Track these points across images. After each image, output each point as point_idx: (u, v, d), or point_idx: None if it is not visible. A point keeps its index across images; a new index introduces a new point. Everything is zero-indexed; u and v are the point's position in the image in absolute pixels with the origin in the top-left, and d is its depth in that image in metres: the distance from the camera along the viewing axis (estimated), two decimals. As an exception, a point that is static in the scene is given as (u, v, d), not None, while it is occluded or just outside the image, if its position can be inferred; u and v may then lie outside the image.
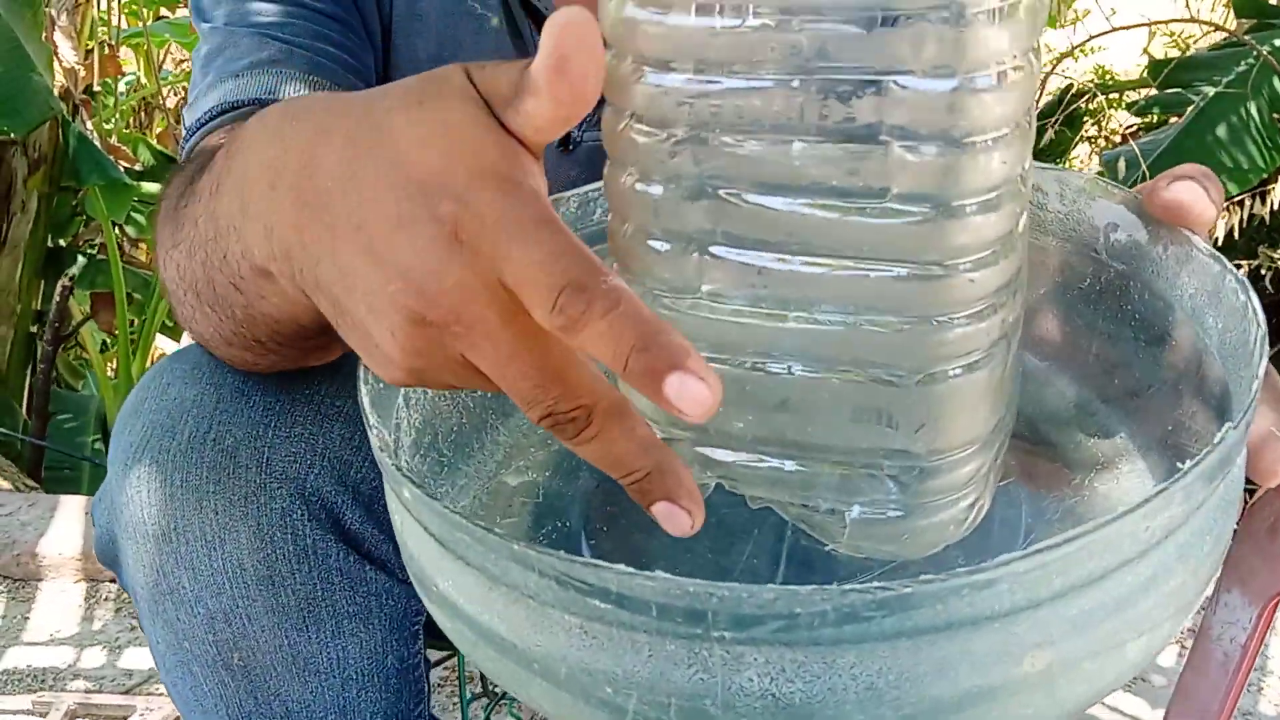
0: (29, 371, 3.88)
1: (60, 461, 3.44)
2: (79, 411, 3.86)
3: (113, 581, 1.86)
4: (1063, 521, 0.48)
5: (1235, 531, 0.83)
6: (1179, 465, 0.38)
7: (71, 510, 1.97)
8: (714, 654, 0.34)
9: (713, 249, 0.39)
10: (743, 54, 0.36)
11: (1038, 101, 3.14)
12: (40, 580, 1.89)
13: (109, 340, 4.48)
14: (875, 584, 0.33)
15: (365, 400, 0.42)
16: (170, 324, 4.27)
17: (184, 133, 0.81)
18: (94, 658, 1.70)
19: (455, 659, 0.87)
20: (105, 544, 0.74)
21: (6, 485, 2.55)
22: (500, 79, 0.39)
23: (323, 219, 0.41)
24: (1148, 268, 0.50)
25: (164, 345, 4.40)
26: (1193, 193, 0.48)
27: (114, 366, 4.08)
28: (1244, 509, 0.60)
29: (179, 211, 0.60)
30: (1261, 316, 0.42)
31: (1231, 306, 0.44)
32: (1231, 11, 3.41)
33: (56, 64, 3.69)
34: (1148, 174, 2.65)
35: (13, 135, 3.61)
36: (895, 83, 0.35)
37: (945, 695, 0.35)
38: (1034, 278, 0.52)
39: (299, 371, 0.68)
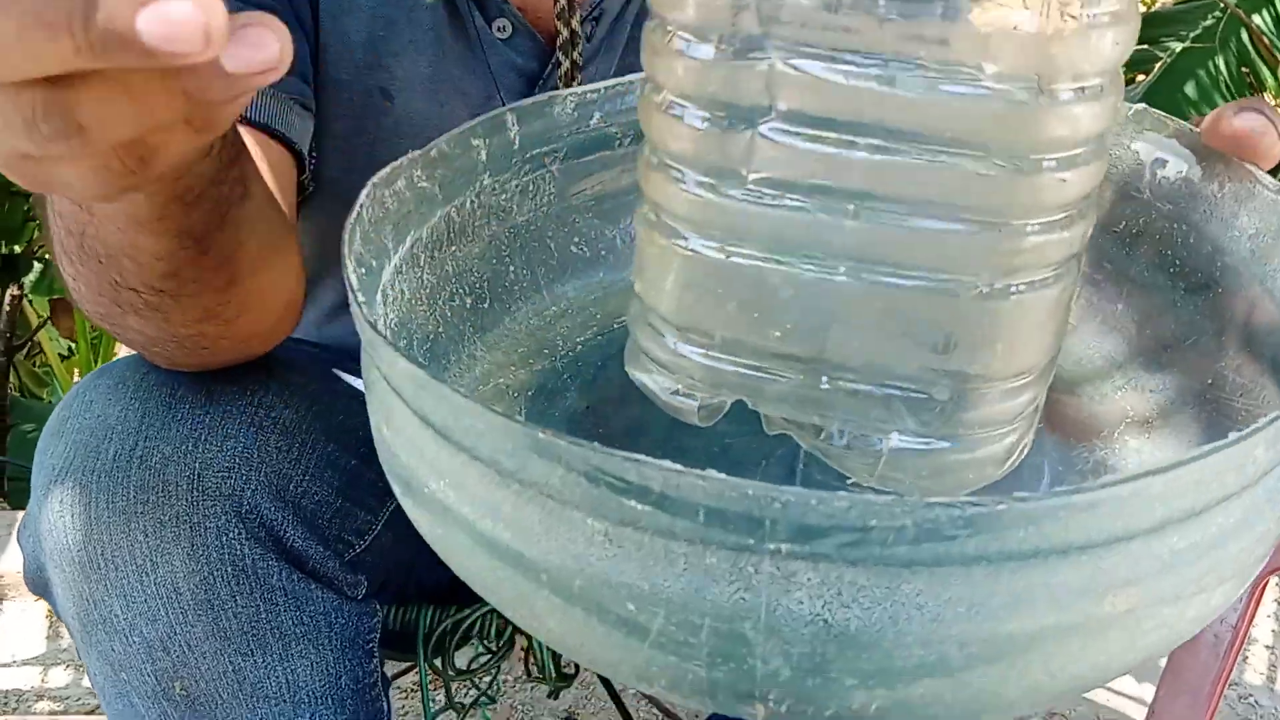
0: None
1: (23, 473, 3.31)
2: (41, 421, 3.71)
3: None
4: (1094, 473, 0.43)
5: None
6: (1219, 419, 0.33)
7: None
8: (762, 569, 0.28)
9: (766, 126, 0.33)
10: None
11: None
12: (1, 600, 1.78)
13: (71, 347, 4.35)
14: (965, 499, 0.27)
15: (352, 280, 0.36)
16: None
17: None
18: (59, 677, 1.62)
19: (417, 671, 0.82)
20: (34, 572, 0.70)
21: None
22: None
23: None
24: (1199, 208, 0.45)
25: (125, 351, 4.30)
26: (1261, 123, 0.43)
27: (77, 374, 3.96)
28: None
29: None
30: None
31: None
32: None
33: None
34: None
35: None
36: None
37: (1017, 632, 0.30)
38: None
39: (230, 380, 0.64)
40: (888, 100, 0.32)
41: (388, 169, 0.43)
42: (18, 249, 3.98)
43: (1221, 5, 2.67)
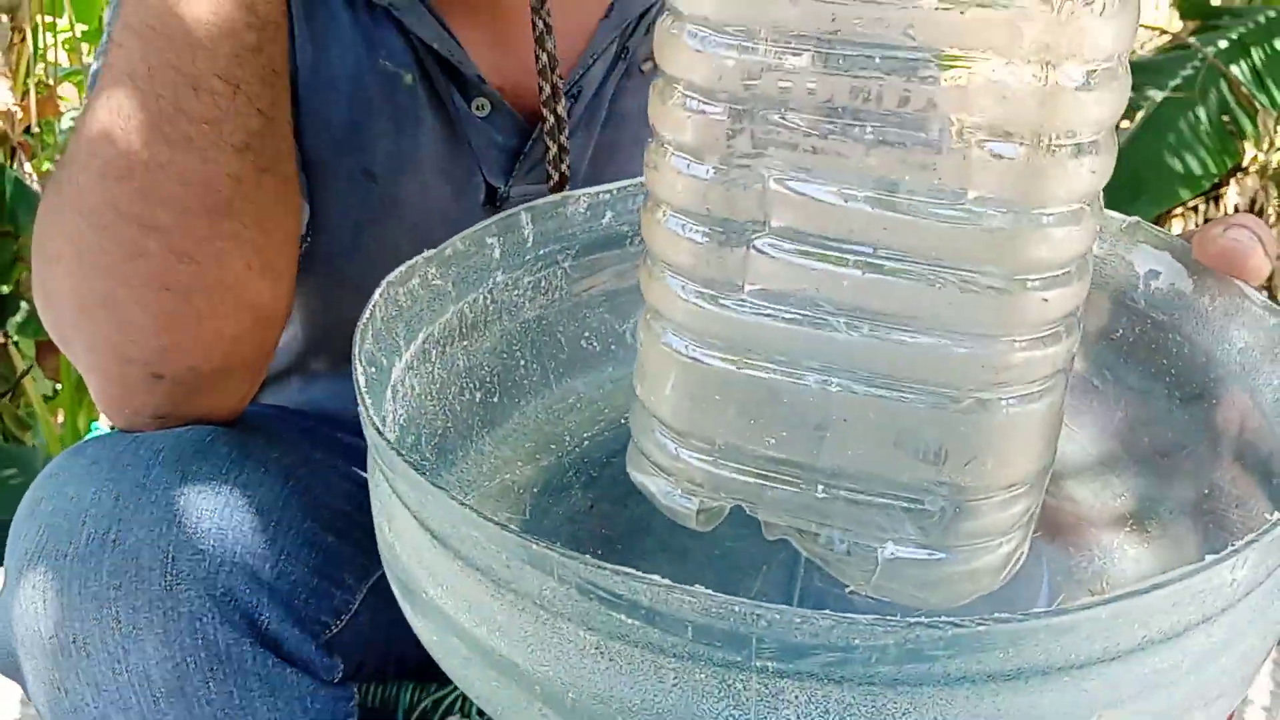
0: (-28, 425, 3.77)
1: (6, 521, 3.31)
2: (24, 466, 3.73)
3: None
4: (1094, 583, 0.45)
5: None
6: (1216, 531, 0.35)
7: None
8: (750, 687, 0.30)
9: (761, 243, 0.35)
10: (820, 24, 0.33)
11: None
12: None
13: (55, 388, 4.38)
14: (945, 619, 0.28)
15: (360, 381, 0.38)
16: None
17: None
18: None
19: None
20: (4, 657, 0.70)
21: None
22: None
23: None
24: (1190, 319, 0.47)
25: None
26: (1248, 241, 0.46)
27: (61, 415, 3.98)
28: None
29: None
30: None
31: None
32: (1176, 13, 3.55)
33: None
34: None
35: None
36: (985, 70, 0.32)
37: None
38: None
39: (205, 459, 0.67)
40: (876, 220, 0.34)
41: (403, 267, 0.45)
42: (5, 289, 4.03)
43: (1200, 56, 2.74)
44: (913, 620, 0.28)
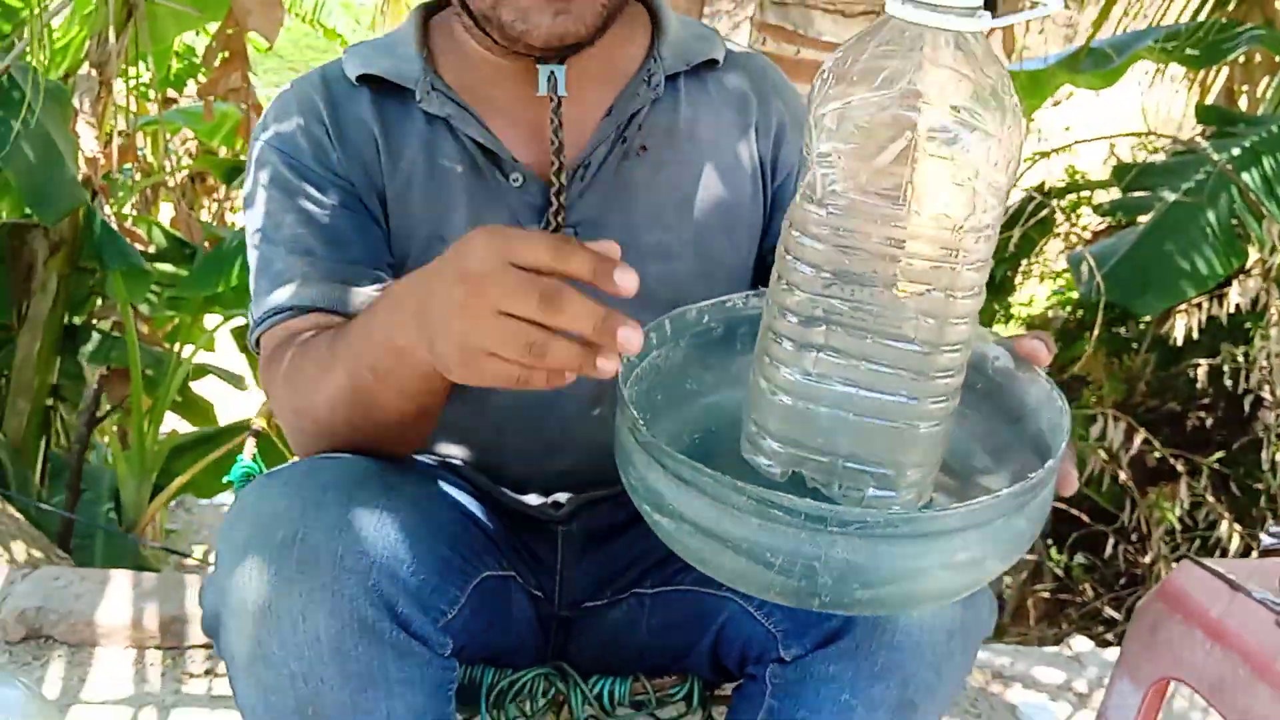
0: (43, 443, 4.21)
1: (89, 531, 3.73)
2: (91, 483, 4.19)
3: (158, 648, 2.16)
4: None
5: (1125, 632, 1.24)
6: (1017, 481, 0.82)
7: (120, 583, 2.27)
8: (823, 537, 0.75)
9: (822, 353, 0.81)
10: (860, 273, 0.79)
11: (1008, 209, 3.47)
12: (94, 646, 2.17)
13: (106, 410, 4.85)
14: (899, 513, 0.76)
15: (626, 394, 0.84)
16: (179, 399, 4.63)
17: (252, 321, 1.11)
18: (147, 717, 1.99)
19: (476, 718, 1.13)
20: (210, 620, 0.93)
21: (40, 555, 2.85)
22: (511, 231, 0.77)
23: (426, 319, 0.81)
24: (1012, 382, 0.93)
25: (170, 421, 4.76)
26: (1036, 346, 0.88)
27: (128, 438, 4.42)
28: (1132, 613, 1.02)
29: (310, 362, 0.98)
30: (1067, 409, 0.85)
31: (1054, 406, 0.87)
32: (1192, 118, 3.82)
33: (79, 152, 4.05)
34: (1102, 285, 2.94)
35: (40, 222, 3.97)
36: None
37: (922, 567, 0.76)
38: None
39: (362, 489, 0.92)
40: (876, 350, 0.80)
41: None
42: (78, 320, 4.48)
43: (1212, 162, 3.03)
44: (880, 512, 0.76)
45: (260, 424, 1.32)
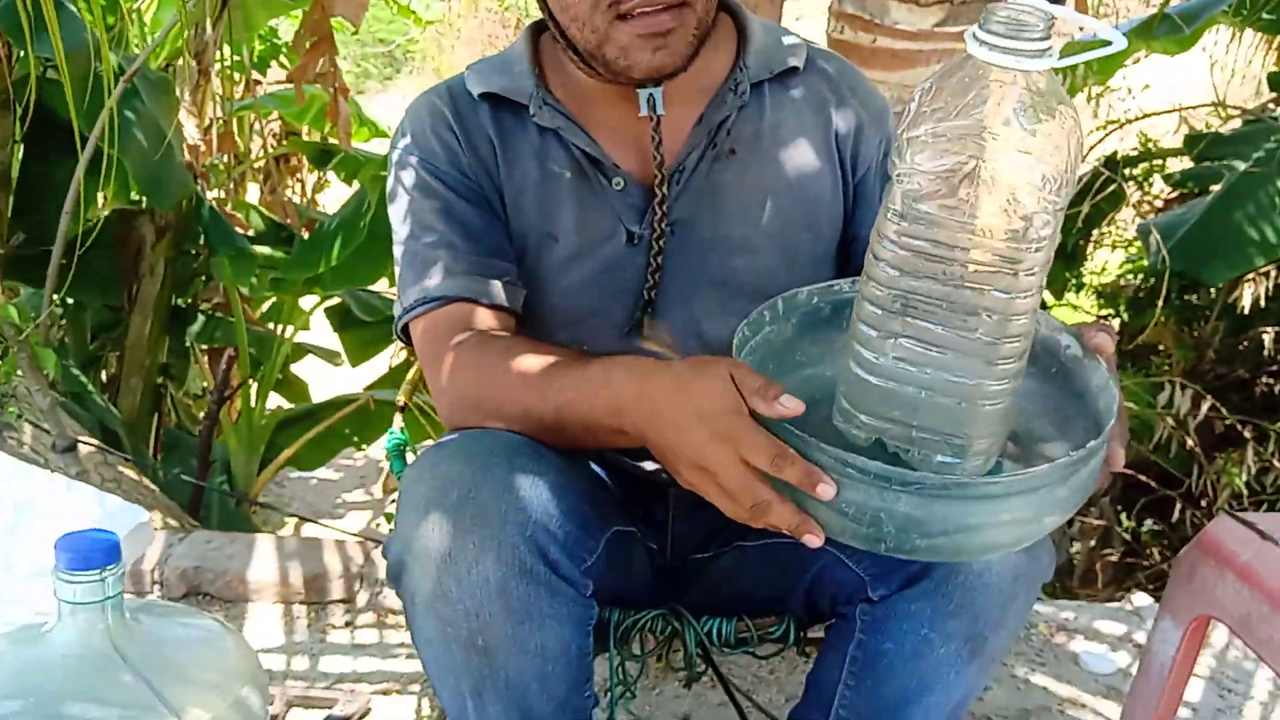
0: (155, 419, 4.44)
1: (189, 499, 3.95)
2: (191, 453, 4.43)
3: (302, 603, 2.35)
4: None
5: (1168, 575, 1.40)
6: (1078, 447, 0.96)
7: (265, 546, 2.47)
8: (888, 494, 0.90)
9: (900, 340, 0.97)
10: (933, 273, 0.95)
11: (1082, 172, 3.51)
12: (247, 602, 2.38)
13: (205, 387, 5.09)
14: (944, 477, 0.92)
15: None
16: (280, 377, 4.85)
17: (400, 309, 1.27)
18: (299, 663, 2.18)
19: (605, 655, 1.27)
20: (395, 567, 1.08)
21: (174, 523, 3.06)
22: (749, 380, 0.93)
23: (663, 422, 0.98)
24: (1079, 368, 1.07)
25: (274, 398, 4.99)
26: (1103, 340, 1.02)
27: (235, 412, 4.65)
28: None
29: (512, 375, 1.13)
30: (1120, 396, 1.00)
31: (1109, 392, 1.01)
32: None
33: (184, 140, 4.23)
34: (1167, 257, 3.04)
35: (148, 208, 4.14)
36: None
37: (985, 522, 0.91)
38: (1031, 363, 1.10)
39: (522, 456, 1.07)
40: (943, 337, 0.96)
41: (754, 313, 1.07)
42: (183, 302, 4.71)
43: None
44: (944, 476, 0.92)
45: (402, 399, 1.48)
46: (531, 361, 1.13)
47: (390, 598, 2.38)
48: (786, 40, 1.36)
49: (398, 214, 1.30)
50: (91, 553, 0.97)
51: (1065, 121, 0.89)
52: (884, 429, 0.98)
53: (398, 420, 1.45)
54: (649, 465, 1.33)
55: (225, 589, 2.38)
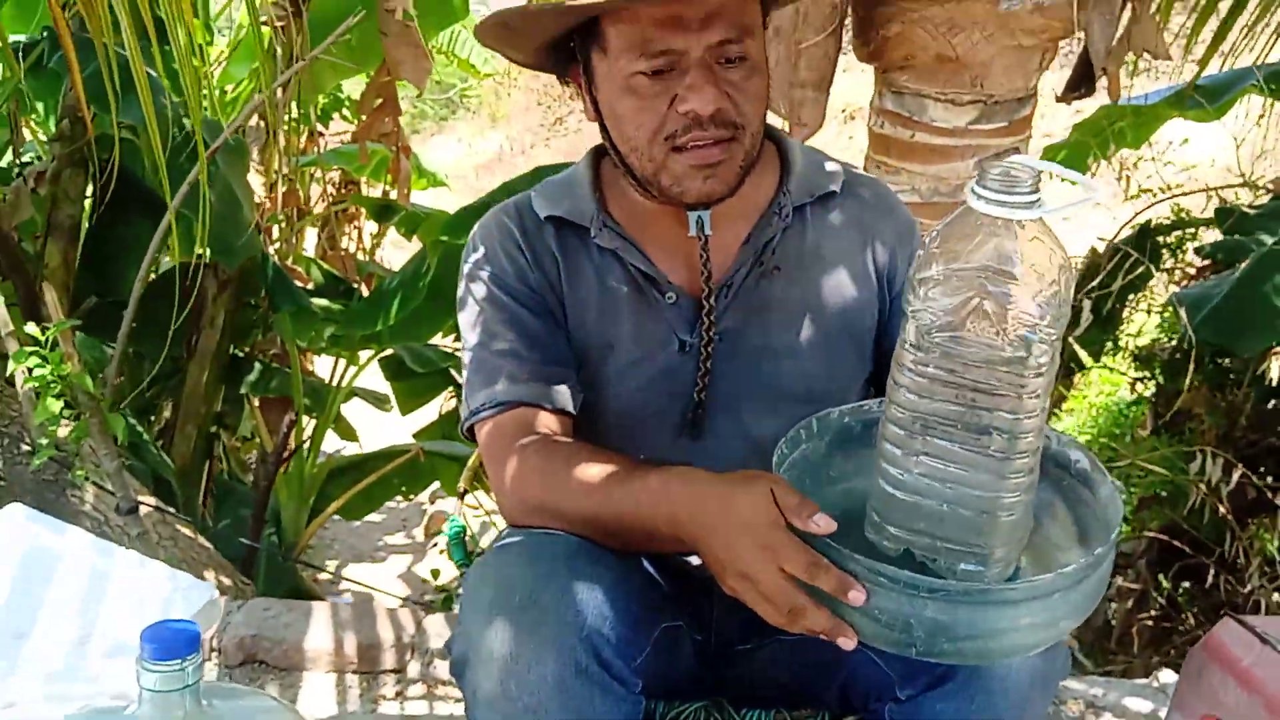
0: (207, 465, 4.56)
1: (239, 551, 4.03)
2: (246, 503, 4.54)
3: (355, 673, 2.42)
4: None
5: (1179, 674, 1.47)
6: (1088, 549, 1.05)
7: (321, 614, 2.55)
8: (916, 600, 0.99)
9: (922, 457, 1.06)
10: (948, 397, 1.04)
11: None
12: (302, 670, 2.45)
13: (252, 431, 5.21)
14: (985, 585, 1.01)
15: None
16: (332, 426, 4.97)
17: (466, 412, 1.37)
18: None
19: None
20: (459, 664, 1.14)
21: (227, 581, 3.14)
22: (788, 497, 1.03)
23: (712, 534, 1.08)
24: (1089, 480, 1.16)
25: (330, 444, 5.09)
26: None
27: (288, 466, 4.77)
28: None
29: (574, 480, 1.22)
30: (1119, 502, 1.09)
31: (1115, 503, 1.10)
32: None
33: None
34: (1191, 332, 3.08)
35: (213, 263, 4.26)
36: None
37: (1004, 627, 1.00)
38: (1044, 476, 1.18)
39: (575, 560, 1.15)
40: (957, 454, 1.05)
41: (792, 432, 1.18)
42: (241, 351, 4.85)
43: None
44: (963, 584, 1.01)
45: (463, 487, 1.58)
46: (593, 470, 1.22)
47: (441, 669, 2.45)
48: (826, 166, 1.47)
49: (467, 321, 1.41)
50: (174, 643, 1.03)
51: (1056, 261, 0.99)
52: (911, 540, 1.07)
53: (458, 507, 1.54)
54: (696, 560, 1.41)
55: (281, 658, 2.45)
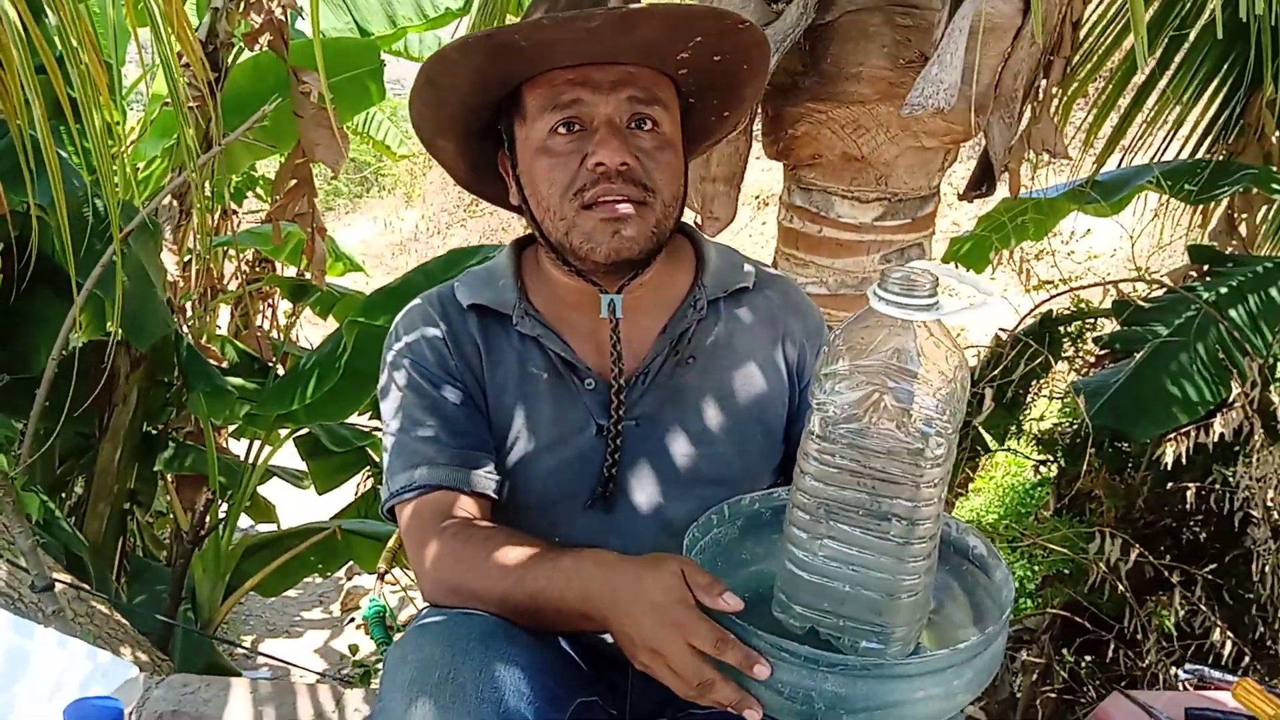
0: (119, 542, 4.51)
1: (154, 627, 4.01)
2: (160, 580, 4.49)
3: None
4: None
5: None
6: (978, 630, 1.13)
7: (240, 690, 2.55)
8: (817, 674, 1.05)
9: (826, 540, 1.12)
10: (849, 485, 1.11)
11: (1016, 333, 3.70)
12: None
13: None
14: (873, 660, 1.07)
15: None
16: (248, 505, 4.93)
17: (386, 494, 1.41)
18: None
19: None
20: None
21: (145, 658, 3.12)
22: (698, 576, 1.09)
23: (624, 612, 1.13)
24: (984, 564, 1.23)
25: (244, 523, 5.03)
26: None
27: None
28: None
29: (489, 562, 1.26)
30: (1011, 585, 1.17)
31: (1008, 585, 1.17)
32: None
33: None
34: (1089, 420, 3.19)
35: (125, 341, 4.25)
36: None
37: (900, 699, 1.06)
38: (945, 561, 1.26)
39: (492, 640, 1.17)
40: (858, 538, 1.12)
41: (703, 517, 1.24)
42: (154, 430, 4.81)
43: (1201, 300, 3.26)
44: (869, 661, 1.07)
45: (383, 566, 1.62)
46: (509, 552, 1.28)
47: (361, 745, 2.44)
48: (739, 263, 1.56)
49: (390, 407, 1.46)
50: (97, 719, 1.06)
51: (953, 361, 1.06)
52: (817, 619, 1.14)
53: (378, 588, 1.58)
54: (609, 638, 1.47)
55: (204, 737, 2.43)
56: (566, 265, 1.42)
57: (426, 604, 1.35)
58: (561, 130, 1.36)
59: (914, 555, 1.10)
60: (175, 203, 4.63)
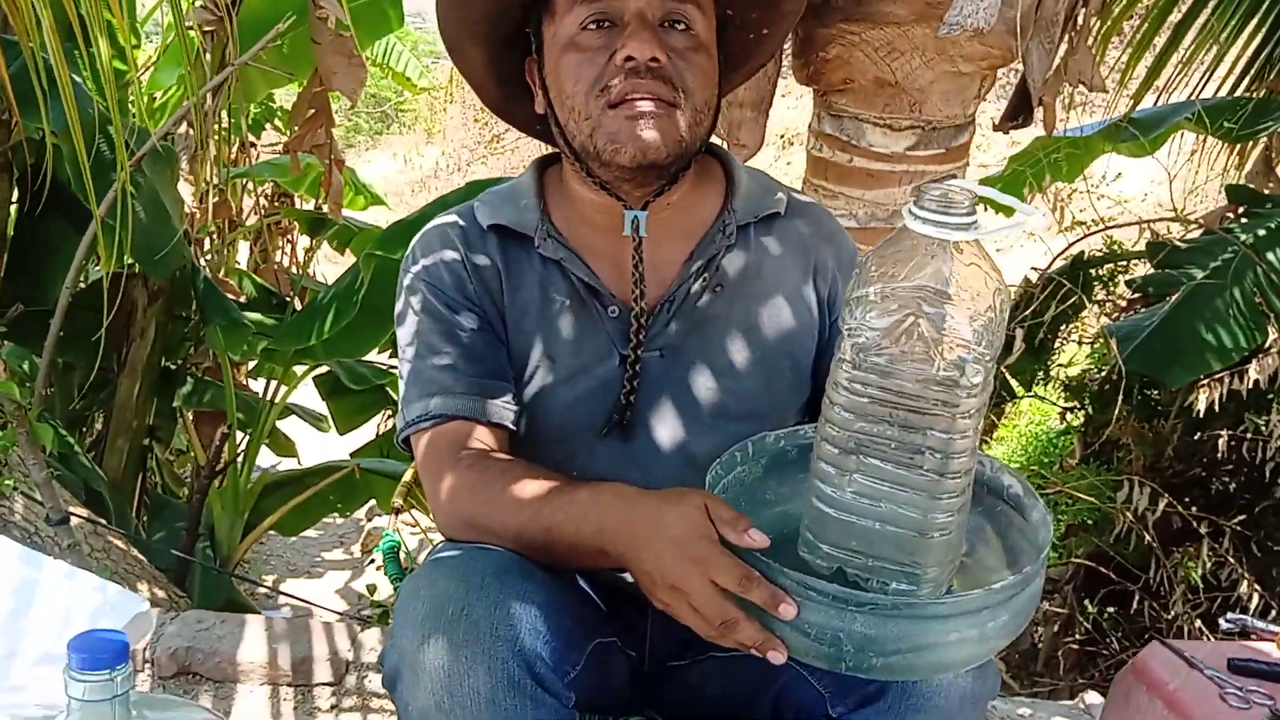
0: (140, 479, 4.50)
1: (173, 564, 3.99)
2: (182, 517, 4.49)
3: (290, 685, 2.40)
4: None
5: (1105, 697, 1.50)
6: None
7: (255, 627, 2.53)
8: (846, 614, 1.00)
9: (855, 476, 1.07)
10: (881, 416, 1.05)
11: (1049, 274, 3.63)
12: (236, 683, 2.44)
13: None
14: (895, 598, 1.02)
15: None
16: (266, 442, 4.91)
17: (402, 423, 1.36)
18: None
19: None
20: (390, 676, 1.15)
21: (161, 593, 3.11)
22: (722, 511, 1.04)
23: (644, 547, 1.08)
24: (1021, 504, 1.18)
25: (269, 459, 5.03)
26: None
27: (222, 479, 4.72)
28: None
29: (506, 495, 1.22)
30: (1049, 525, 1.11)
31: (1045, 526, 1.12)
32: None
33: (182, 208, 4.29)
34: (1122, 364, 3.14)
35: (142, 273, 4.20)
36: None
37: (934, 642, 1.01)
38: (979, 502, 1.20)
39: (507, 575, 1.14)
40: (888, 473, 1.06)
41: (726, 455, 1.19)
42: (173, 365, 4.78)
43: (1239, 243, 3.18)
44: (894, 598, 1.01)
45: (398, 502, 1.56)
46: (525, 485, 1.22)
47: (374, 682, 2.43)
48: (771, 187, 1.49)
49: (405, 334, 1.40)
50: (102, 653, 1.00)
51: (991, 285, 1.00)
52: (845, 559, 1.08)
53: (392, 522, 1.53)
54: (629, 577, 1.42)
55: (215, 670, 2.43)
56: (591, 178, 1.36)
57: (442, 539, 1.30)
58: (591, 25, 1.30)
59: (948, 491, 1.04)
60: (191, 131, 4.53)
